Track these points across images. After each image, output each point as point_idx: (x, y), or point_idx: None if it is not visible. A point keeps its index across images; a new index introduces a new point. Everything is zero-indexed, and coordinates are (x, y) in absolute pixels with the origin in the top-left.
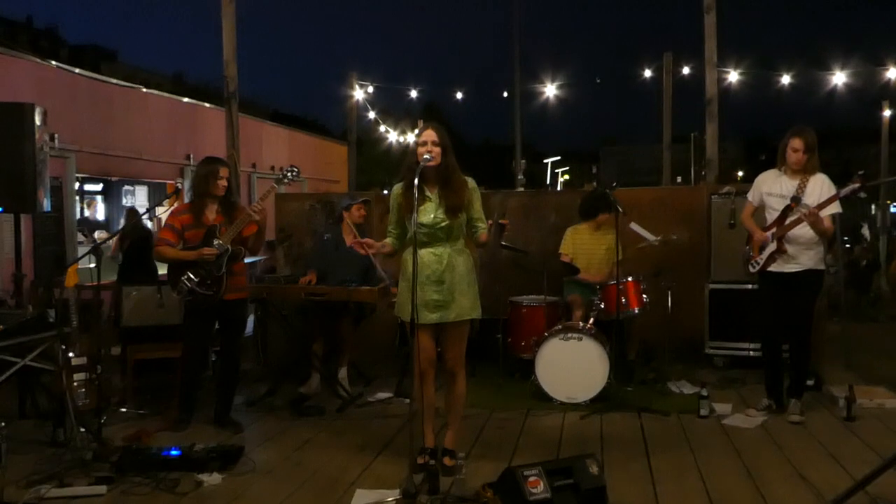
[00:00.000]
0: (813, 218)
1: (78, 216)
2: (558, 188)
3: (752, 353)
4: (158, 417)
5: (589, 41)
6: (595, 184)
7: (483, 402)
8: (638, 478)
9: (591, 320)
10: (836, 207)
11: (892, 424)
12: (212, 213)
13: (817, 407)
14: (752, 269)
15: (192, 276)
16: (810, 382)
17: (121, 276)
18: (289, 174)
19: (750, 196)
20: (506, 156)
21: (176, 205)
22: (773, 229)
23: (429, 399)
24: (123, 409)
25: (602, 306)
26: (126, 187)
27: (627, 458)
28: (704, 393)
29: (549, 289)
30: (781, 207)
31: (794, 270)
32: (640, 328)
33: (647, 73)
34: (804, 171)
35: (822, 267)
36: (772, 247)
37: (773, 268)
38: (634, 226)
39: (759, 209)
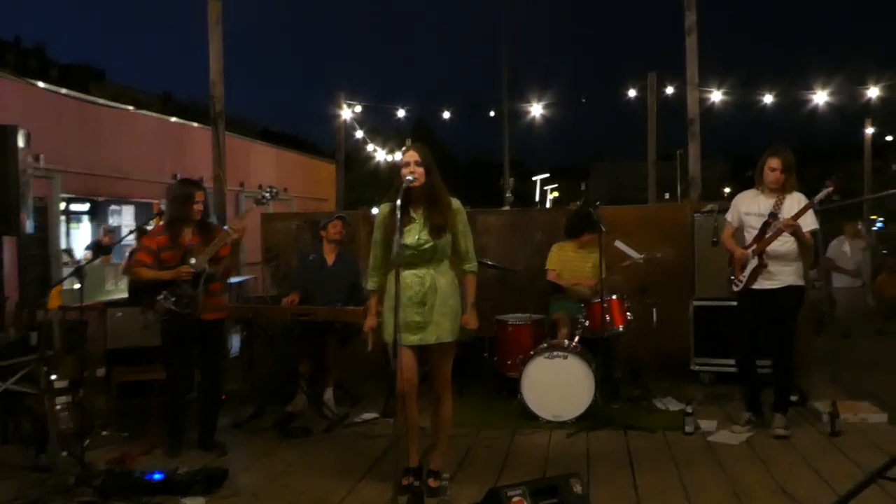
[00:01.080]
0: (792, 227)
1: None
2: (547, 205)
3: (736, 368)
4: (143, 440)
5: (577, 60)
6: (580, 202)
7: (470, 421)
8: (623, 496)
9: (577, 338)
10: (814, 223)
11: (876, 439)
12: (188, 235)
13: (802, 422)
14: (735, 288)
15: (168, 295)
16: (794, 398)
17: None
18: (267, 194)
19: (729, 216)
20: (495, 173)
21: (150, 226)
22: (754, 246)
23: (412, 419)
24: (107, 433)
25: (587, 324)
26: (113, 207)
27: (613, 476)
28: (690, 410)
29: (534, 307)
30: (759, 225)
31: (774, 287)
32: (626, 345)
33: (633, 93)
34: (781, 190)
35: (802, 283)
36: (753, 263)
37: (755, 285)
38: (619, 244)
39: (739, 229)
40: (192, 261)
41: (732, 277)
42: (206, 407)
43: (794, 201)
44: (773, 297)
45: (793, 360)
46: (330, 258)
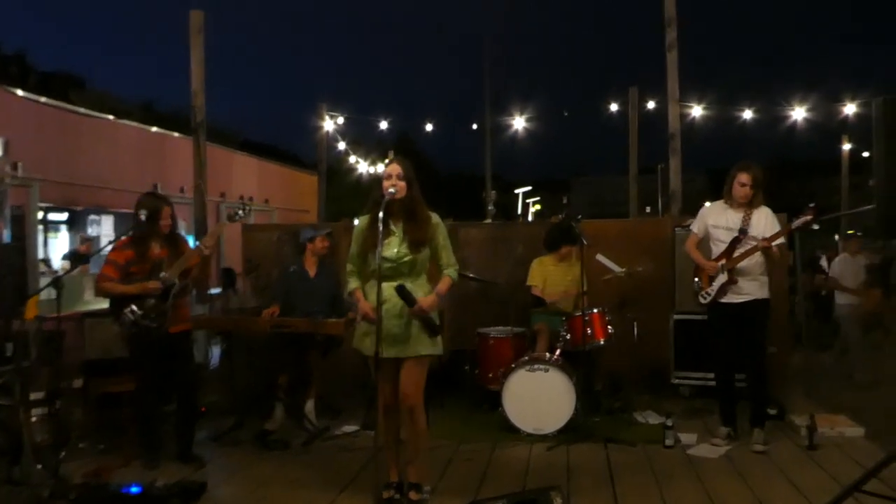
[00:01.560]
0: (768, 251)
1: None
2: (529, 218)
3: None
4: (120, 453)
5: (559, 74)
6: (562, 215)
7: (450, 434)
8: None
9: (558, 351)
10: (781, 238)
11: (853, 453)
12: (156, 249)
13: (780, 436)
14: (703, 301)
15: (135, 308)
16: (773, 412)
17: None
18: (240, 211)
19: (694, 227)
20: (478, 186)
21: (121, 239)
22: (723, 261)
23: (393, 432)
24: (84, 445)
25: (568, 337)
26: (92, 217)
27: (593, 490)
28: (670, 423)
29: (515, 320)
30: (728, 239)
31: (741, 301)
32: (607, 359)
33: (615, 107)
34: (749, 205)
35: (767, 296)
36: (722, 278)
37: (723, 299)
38: (601, 257)
39: (704, 240)
40: (163, 274)
41: (700, 290)
42: (182, 419)
43: (762, 216)
44: (739, 310)
45: (765, 373)
46: (312, 270)
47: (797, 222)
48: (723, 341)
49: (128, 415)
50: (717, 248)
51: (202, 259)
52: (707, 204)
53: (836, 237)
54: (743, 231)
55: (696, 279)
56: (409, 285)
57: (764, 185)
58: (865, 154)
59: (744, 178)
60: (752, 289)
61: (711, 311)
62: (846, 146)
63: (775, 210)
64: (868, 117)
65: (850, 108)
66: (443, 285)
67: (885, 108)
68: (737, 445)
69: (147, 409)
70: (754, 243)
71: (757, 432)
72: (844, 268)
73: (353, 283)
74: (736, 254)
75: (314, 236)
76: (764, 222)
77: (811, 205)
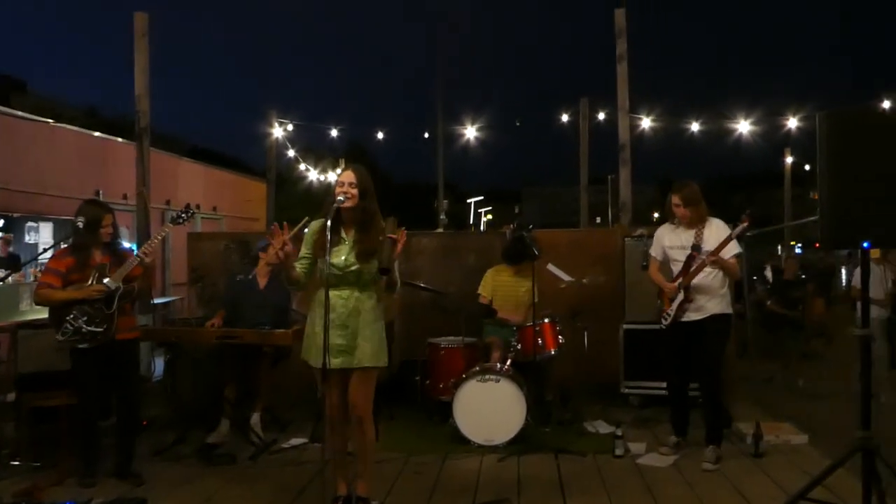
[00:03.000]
0: (717, 263)
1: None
2: (482, 228)
3: (666, 391)
4: (54, 470)
5: (511, 85)
6: (514, 225)
7: (400, 446)
8: None
9: (509, 361)
10: (737, 247)
11: (798, 461)
12: (97, 256)
13: (726, 444)
14: (665, 322)
15: (77, 314)
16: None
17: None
18: (184, 215)
19: (653, 251)
20: (430, 196)
21: (61, 247)
22: (680, 279)
23: (341, 445)
24: (16, 462)
25: (519, 347)
26: (30, 224)
27: (543, 501)
28: (619, 433)
29: (467, 330)
30: (684, 258)
31: (700, 318)
32: (558, 369)
33: (566, 118)
34: (699, 221)
35: (728, 311)
36: (680, 297)
37: (683, 318)
38: (551, 266)
39: (665, 263)
40: (106, 280)
41: (662, 309)
42: (123, 433)
43: (714, 229)
44: (699, 326)
45: (720, 390)
46: (263, 280)
47: (735, 231)
48: (679, 355)
49: (63, 430)
50: (676, 268)
51: (144, 268)
52: (661, 227)
53: (780, 248)
54: (696, 248)
55: (659, 301)
56: (356, 294)
57: (699, 200)
58: (807, 167)
59: (675, 199)
60: (710, 305)
61: (670, 330)
62: (789, 159)
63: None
64: (809, 131)
65: (792, 122)
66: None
67: (828, 121)
68: (685, 454)
69: (87, 423)
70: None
71: (710, 449)
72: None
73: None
74: (690, 271)
75: (268, 245)
76: (716, 235)
77: (747, 211)
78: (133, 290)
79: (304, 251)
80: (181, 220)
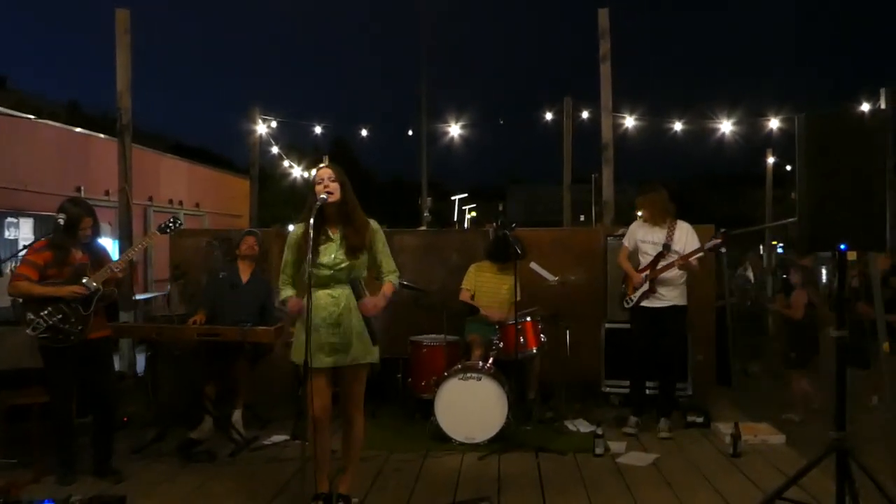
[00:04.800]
0: (685, 267)
1: None
2: (465, 225)
3: (647, 391)
4: (31, 468)
5: (495, 83)
6: (497, 223)
7: (382, 444)
8: None
9: (491, 360)
10: (696, 243)
11: (775, 460)
12: (77, 255)
13: (705, 443)
14: (626, 306)
15: (52, 311)
16: (699, 420)
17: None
18: (171, 225)
19: (626, 241)
20: (415, 193)
21: (39, 241)
22: (647, 272)
23: (323, 444)
24: None
25: (501, 346)
26: (9, 219)
27: (523, 499)
28: (600, 431)
29: (449, 328)
30: (654, 253)
31: (660, 306)
32: (539, 367)
33: (549, 116)
34: (661, 220)
35: (684, 303)
36: (644, 287)
37: (644, 303)
38: (534, 266)
39: (634, 252)
40: (86, 279)
41: (626, 293)
42: (99, 430)
43: (683, 232)
44: (658, 314)
45: (676, 370)
46: (244, 276)
47: (708, 245)
48: (641, 340)
49: (38, 428)
50: (644, 260)
51: (117, 278)
52: (635, 222)
53: (761, 248)
54: (666, 246)
55: (623, 285)
56: (347, 292)
57: (661, 203)
58: (788, 168)
59: (638, 203)
60: (671, 296)
61: (634, 313)
62: (770, 160)
63: (703, 221)
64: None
65: (774, 123)
66: (387, 288)
67: (807, 124)
68: (665, 452)
69: (61, 421)
70: (676, 256)
71: (663, 421)
72: None
73: (287, 291)
74: (659, 266)
75: (239, 241)
76: (685, 238)
77: (722, 230)
78: (113, 293)
79: (288, 257)
80: (168, 231)
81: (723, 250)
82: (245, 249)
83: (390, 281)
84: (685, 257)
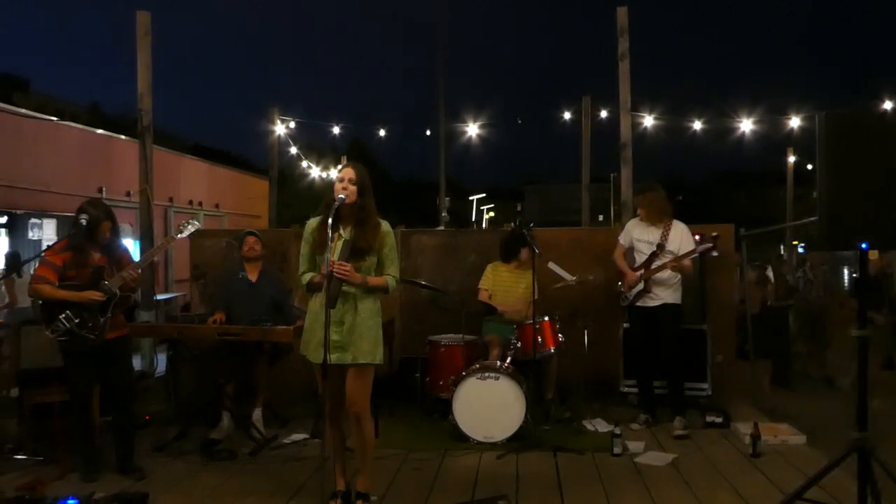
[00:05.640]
0: (678, 268)
1: None
2: (483, 225)
3: (665, 390)
4: (56, 465)
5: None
6: (514, 223)
7: (400, 443)
8: None
9: (509, 360)
10: (690, 245)
11: (794, 460)
12: (96, 255)
13: (724, 443)
14: (622, 303)
15: (71, 315)
16: (719, 419)
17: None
18: (189, 227)
19: (621, 239)
20: (432, 193)
21: (58, 242)
22: (642, 271)
23: (339, 441)
24: (20, 457)
25: (519, 345)
26: (33, 220)
27: (541, 498)
28: (618, 431)
29: (467, 328)
30: (649, 252)
31: (655, 305)
32: (557, 367)
33: (568, 116)
34: (665, 220)
35: (678, 301)
36: (639, 287)
37: (639, 303)
38: (552, 265)
39: (630, 250)
40: (105, 283)
41: (622, 291)
42: (120, 429)
43: (678, 233)
44: (653, 312)
45: (680, 367)
46: (253, 276)
47: (700, 248)
48: (641, 339)
49: (62, 426)
50: (639, 259)
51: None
52: (632, 220)
53: (782, 247)
54: (661, 246)
55: (619, 283)
56: (352, 291)
57: (658, 202)
58: (809, 166)
59: (636, 201)
60: (665, 295)
61: (630, 311)
62: (791, 158)
63: (723, 220)
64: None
65: (795, 122)
66: (376, 280)
67: (827, 122)
68: (682, 453)
69: (82, 420)
70: (670, 257)
71: (678, 420)
72: None
73: (307, 276)
74: (653, 266)
75: (241, 241)
76: (680, 238)
77: (714, 234)
78: (129, 298)
79: (303, 250)
80: (182, 235)
81: (714, 254)
82: (246, 251)
83: (386, 279)
84: (678, 259)
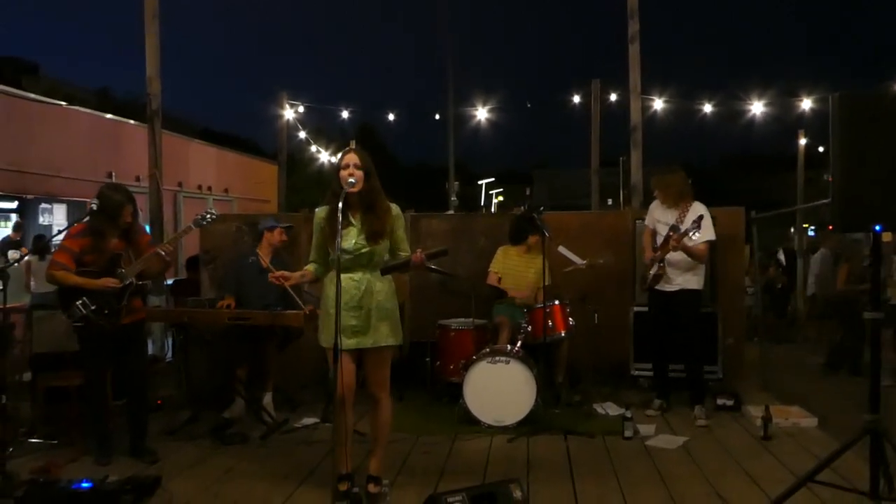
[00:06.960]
0: (679, 245)
1: None
2: (493, 210)
3: (675, 373)
4: (70, 448)
5: (523, 66)
6: (523, 207)
7: (410, 427)
8: (562, 501)
9: (519, 343)
10: (710, 235)
11: (806, 443)
12: (113, 242)
13: (735, 426)
14: (642, 288)
15: (87, 302)
16: (730, 403)
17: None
18: (207, 216)
19: (647, 221)
20: (441, 177)
21: (75, 226)
22: (657, 253)
23: (347, 424)
24: (34, 440)
25: (529, 329)
26: (43, 205)
27: (552, 482)
28: (629, 414)
29: (477, 312)
30: (665, 234)
31: (671, 290)
32: (567, 351)
33: (577, 99)
34: (683, 202)
35: (696, 287)
36: (655, 268)
37: (657, 287)
38: (563, 249)
39: (655, 233)
40: (121, 271)
41: (645, 275)
42: (133, 412)
43: (693, 214)
44: (670, 298)
45: (697, 355)
46: (266, 261)
47: (688, 228)
48: (658, 324)
49: (77, 409)
50: (659, 241)
51: (161, 265)
52: (654, 202)
53: (792, 230)
54: (675, 228)
55: (646, 265)
56: (368, 276)
57: (676, 185)
58: (821, 149)
59: (653, 184)
60: (681, 280)
61: (649, 296)
62: (802, 141)
63: (733, 203)
64: (823, 113)
65: (807, 104)
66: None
67: (841, 103)
68: (694, 436)
69: (96, 403)
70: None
71: (698, 409)
72: None
73: (309, 266)
74: (663, 248)
75: (274, 227)
76: (692, 220)
77: (697, 219)
78: (145, 286)
79: (315, 242)
80: (205, 223)
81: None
82: (278, 241)
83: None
84: (678, 238)
